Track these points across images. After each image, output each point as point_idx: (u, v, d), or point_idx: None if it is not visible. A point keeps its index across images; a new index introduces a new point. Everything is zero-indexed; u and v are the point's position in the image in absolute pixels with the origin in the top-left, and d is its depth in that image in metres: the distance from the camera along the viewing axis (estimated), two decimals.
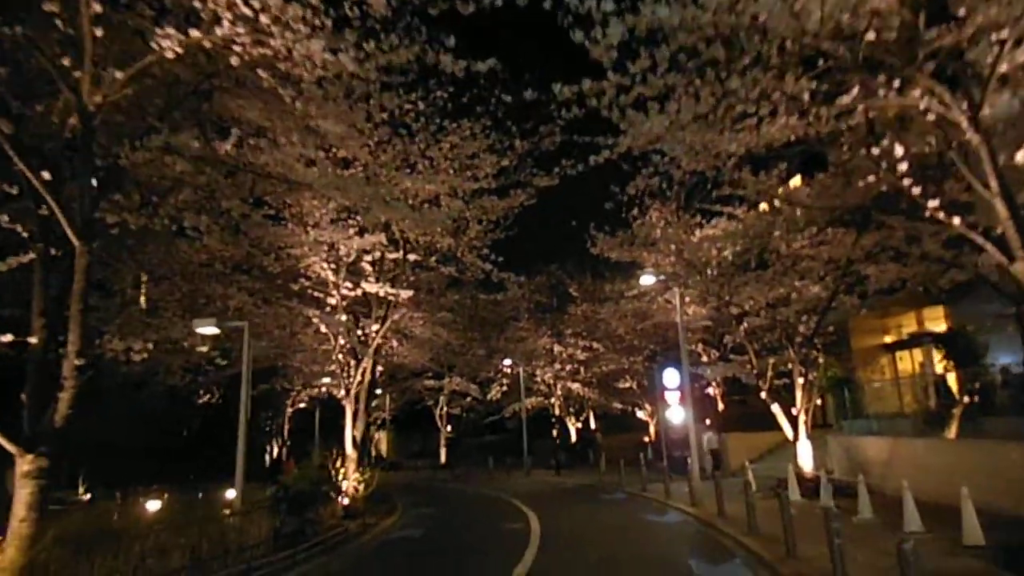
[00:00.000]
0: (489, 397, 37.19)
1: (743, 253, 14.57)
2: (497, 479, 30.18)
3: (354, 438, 16.06)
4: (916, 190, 7.20)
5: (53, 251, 7.39)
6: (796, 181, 14.41)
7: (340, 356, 16.17)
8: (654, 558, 9.49)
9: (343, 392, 16.13)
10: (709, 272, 14.45)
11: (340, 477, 15.77)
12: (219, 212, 11.11)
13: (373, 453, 51.40)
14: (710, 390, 29.29)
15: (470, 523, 14.82)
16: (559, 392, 34.92)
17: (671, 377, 22.67)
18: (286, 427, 36.33)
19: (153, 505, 17.22)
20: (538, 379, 34.88)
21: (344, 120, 10.11)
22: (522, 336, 33.04)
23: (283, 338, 17.99)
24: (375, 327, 16.35)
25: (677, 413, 22.04)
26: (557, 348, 32.88)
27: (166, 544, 8.58)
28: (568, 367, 33.34)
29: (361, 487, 15.88)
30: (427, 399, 42.26)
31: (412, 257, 16.51)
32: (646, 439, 31.98)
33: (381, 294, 15.99)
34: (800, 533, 8.85)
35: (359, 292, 15.86)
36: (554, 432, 36.20)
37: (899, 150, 7.28)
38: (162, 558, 8.42)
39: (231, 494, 19.41)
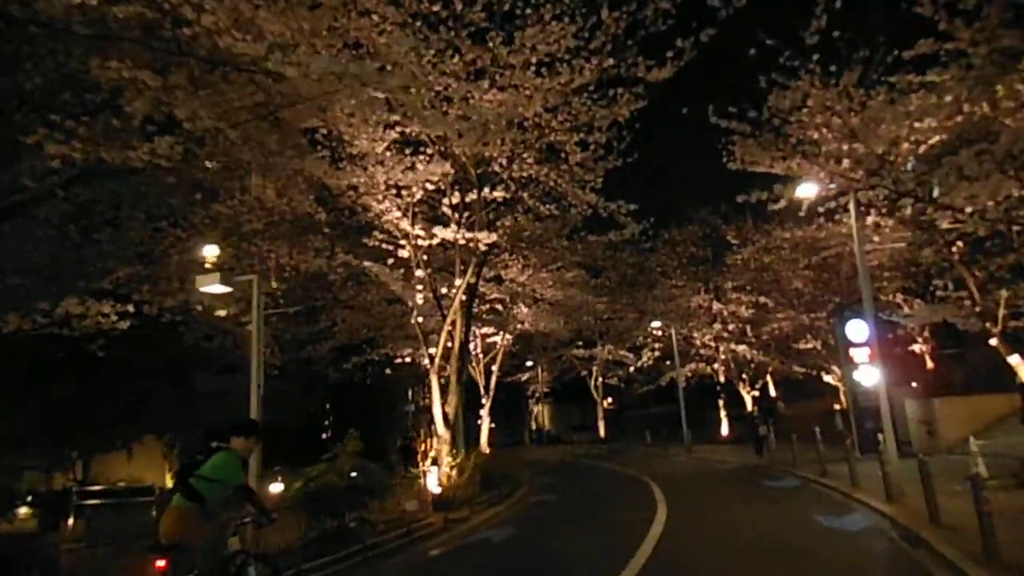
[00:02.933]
0: (640, 364, 33.41)
1: (954, 138, 9.89)
2: (652, 456, 26.62)
3: (445, 415, 13.42)
4: None
5: None
6: None
7: (419, 319, 13.56)
8: None
9: (427, 362, 13.50)
10: (902, 164, 9.85)
11: (428, 462, 13.29)
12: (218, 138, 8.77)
13: (533, 427, 49.70)
14: (916, 347, 23.55)
15: (580, 521, 11.64)
16: (723, 356, 30.32)
17: (858, 330, 17.81)
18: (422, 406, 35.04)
19: (276, 488, 16.00)
20: (697, 342, 30.50)
21: None
22: (673, 294, 28.86)
23: (365, 303, 15.79)
24: (457, 282, 13.52)
25: (868, 374, 17.19)
26: (716, 306, 28.33)
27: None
28: (731, 327, 28.68)
29: (454, 472, 13.24)
30: (580, 370, 39.37)
31: (498, 194, 13.46)
32: (836, 407, 26.83)
33: (461, 241, 13.14)
34: None
35: (435, 241, 13.11)
36: (720, 401, 31.62)
37: None
38: None
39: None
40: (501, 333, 23.84)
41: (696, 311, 28.93)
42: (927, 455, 15.43)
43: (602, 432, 39.52)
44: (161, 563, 5.15)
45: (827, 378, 27.62)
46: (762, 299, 26.24)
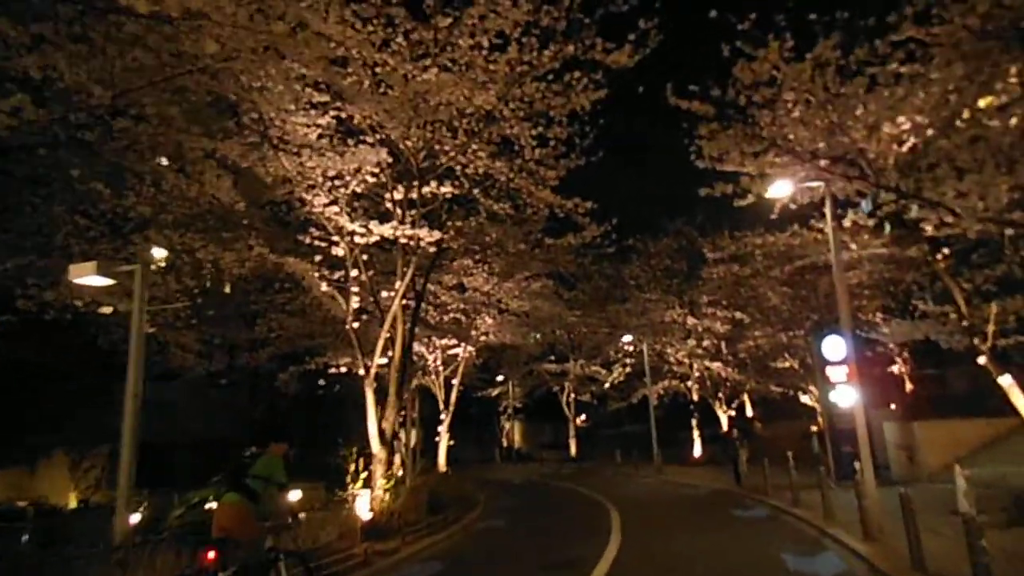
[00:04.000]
0: (612, 380, 32.22)
1: (939, 133, 8.84)
2: (620, 477, 25.39)
3: (382, 432, 12.09)
4: None
5: None
6: None
7: (355, 325, 12.25)
8: None
9: (362, 371, 12.18)
10: (883, 158, 8.77)
11: (358, 484, 11.96)
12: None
13: (505, 444, 48.19)
14: (895, 368, 22.63)
15: (519, 556, 10.37)
16: (696, 374, 29.22)
17: (834, 347, 16.76)
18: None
19: (211, 505, 14.62)
20: (671, 359, 29.37)
21: None
22: (647, 308, 27.74)
23: (303, 307, 14.47)
24: (397, 284, 12.23)
25: (844, 395, 16.11)
26: (691, 321, 27.23)
27: None
28: (706, 343, 27.59)
29: (387, 496, 11.91)
30: (552, 385, 38.08)
31: (447, 190, 12.25)
32: (813, 428, 25.79)
33: (403, 239, 11.91)
34: None
35: (373, 238, 11.84)
36: (694, 421, 30.40)
37: None
38: None
39: (295, 496, 16.32)
40: (463, 345, 22.55)
41: (670, 326, 27.83)
42: (907, 483, 14.35)
43: (574, 451, 38.19)
44: (211, 555, 5.54)
45: (804, 399, 26.63)
46: (738, 315, 25.22)
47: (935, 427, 16.71)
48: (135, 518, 12.16)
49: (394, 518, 12.01)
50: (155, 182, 10.86)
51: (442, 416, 23.29)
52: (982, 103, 8.07)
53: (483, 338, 23.17)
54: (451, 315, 21.83)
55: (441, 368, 23.22)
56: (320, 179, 11.32)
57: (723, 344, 27.46)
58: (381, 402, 12.51)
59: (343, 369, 15.20)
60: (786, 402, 28.60)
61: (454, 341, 22.42)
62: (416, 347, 22.52)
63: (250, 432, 21.86)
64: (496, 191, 13.68)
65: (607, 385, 34.19)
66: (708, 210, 25.83)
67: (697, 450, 29.90)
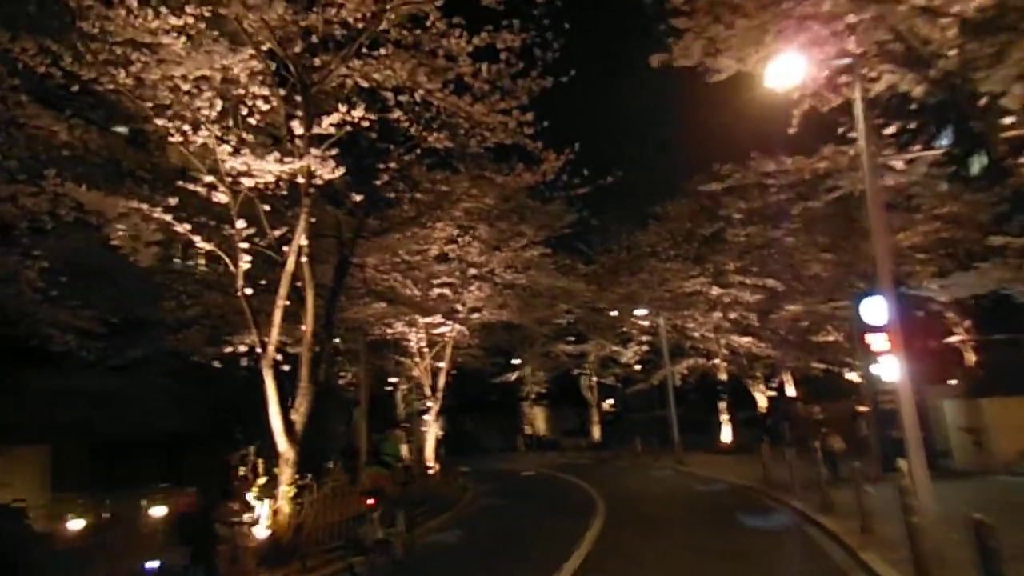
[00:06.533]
0: (628, 360, 29.24)
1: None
2: (635, 468, 22.57)
3: (290, 425, 9.49)
4: None
5: None
6: None
7: (248, 291, 9.62)
8: None
9: (259, 349, 9.58)
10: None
11: (253, 492, 9.43)
12: None
13: (528, 431, 45.52)
14: (956, 337, 19.20)
15: None
16: (724, 350, 25.99)
17: (875, 310, 13.57)
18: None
19: (159, 511, 12.44)
20: (695, 334, 26.17)
21: None
22: (665, 278, 24.60)
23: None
24: (300, 236, 9.51)
25: (889, 367, 12.97)
26: (716, 290, 24.00)
27: None
28: (732, 315, 24.34)
29: (288, 508, 9.32)
30: (571, 368, 35.16)
31: (358, 114, 9.49)
32: (860, 409, 22.53)
33: (300, 178, 9.23)
34: None
35: (260, 180, 9.17)
36: (722, 403, 27.18)
37: None
38: None
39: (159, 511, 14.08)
40: (451, 324, 19.91)
41: (692, 297, 24.63)
42: (976, 474, 11.20)
43: (596, 437, 35.26)
44: (371, 501, 8.68)
45: (850, 375, 23.34)
46: (770, 282, 22.01)
47: (1008, 405, 13.45)
48: (78, 524, 10.12)
49: (305, 535, 9.51)
50: None
51: (429, 404, 20.70)
52: None
53: (474, 316, 20.49)
54: (436, 291, 19.25)
55: (426, 350, 20.61)
56: (176, 97, 8.66)
57: (754, 316, 24.25)
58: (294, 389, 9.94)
59: (242, 348, 12.66)
60: (830, 379, 25.43)
61: (440, 320, 19.81)
62: (399, 327, 20.06)
63: (210, 425, 19.58)
64: (438, 122, 10.92)
65: (634, 366, 31.19)
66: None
67: (726, 435, 26.74)
